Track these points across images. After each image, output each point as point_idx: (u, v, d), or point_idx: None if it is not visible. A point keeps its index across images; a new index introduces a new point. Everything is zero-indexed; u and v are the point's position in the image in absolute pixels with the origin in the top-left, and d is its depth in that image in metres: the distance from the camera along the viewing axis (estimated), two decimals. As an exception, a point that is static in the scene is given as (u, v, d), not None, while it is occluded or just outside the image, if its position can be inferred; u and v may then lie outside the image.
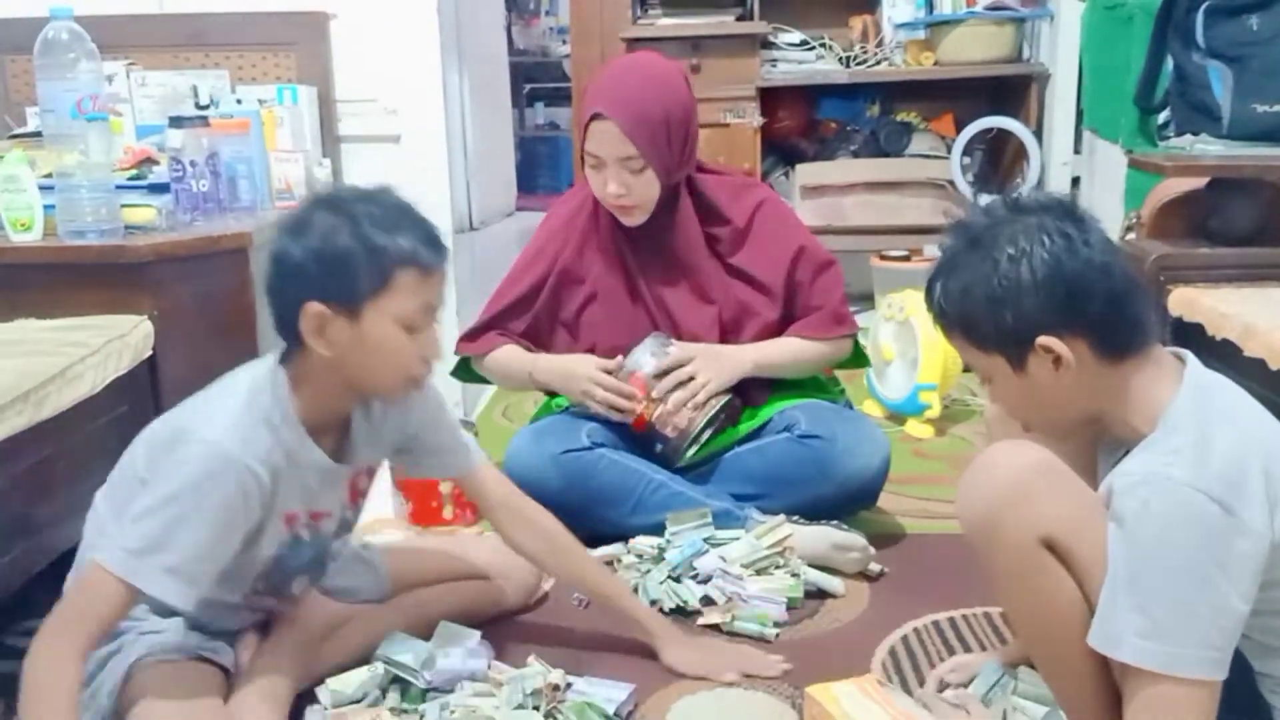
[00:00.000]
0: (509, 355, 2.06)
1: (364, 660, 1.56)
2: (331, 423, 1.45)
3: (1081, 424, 1.24)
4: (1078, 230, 1.17)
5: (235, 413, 1.35)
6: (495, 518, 1.63)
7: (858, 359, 2.17)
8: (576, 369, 1.98)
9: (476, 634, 1.59)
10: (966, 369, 2.78)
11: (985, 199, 3.52)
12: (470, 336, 2.10)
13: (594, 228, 2.04)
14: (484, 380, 2.17)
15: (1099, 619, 1.13)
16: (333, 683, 1.50)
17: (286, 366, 1.41)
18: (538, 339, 2.08)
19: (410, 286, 1.36)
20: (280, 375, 1.40)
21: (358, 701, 1.49)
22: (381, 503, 2.02)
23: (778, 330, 2.04)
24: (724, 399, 1.97)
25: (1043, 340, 1.17)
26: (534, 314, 2.07)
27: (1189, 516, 1.07)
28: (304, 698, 1.53)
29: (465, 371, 2.17)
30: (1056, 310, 1.16)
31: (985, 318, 1.19)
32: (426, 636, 1.58)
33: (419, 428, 1.56)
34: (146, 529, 1.30)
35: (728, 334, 2.03)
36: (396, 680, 1.53)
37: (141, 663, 1.41)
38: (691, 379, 1.93)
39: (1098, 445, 1.31)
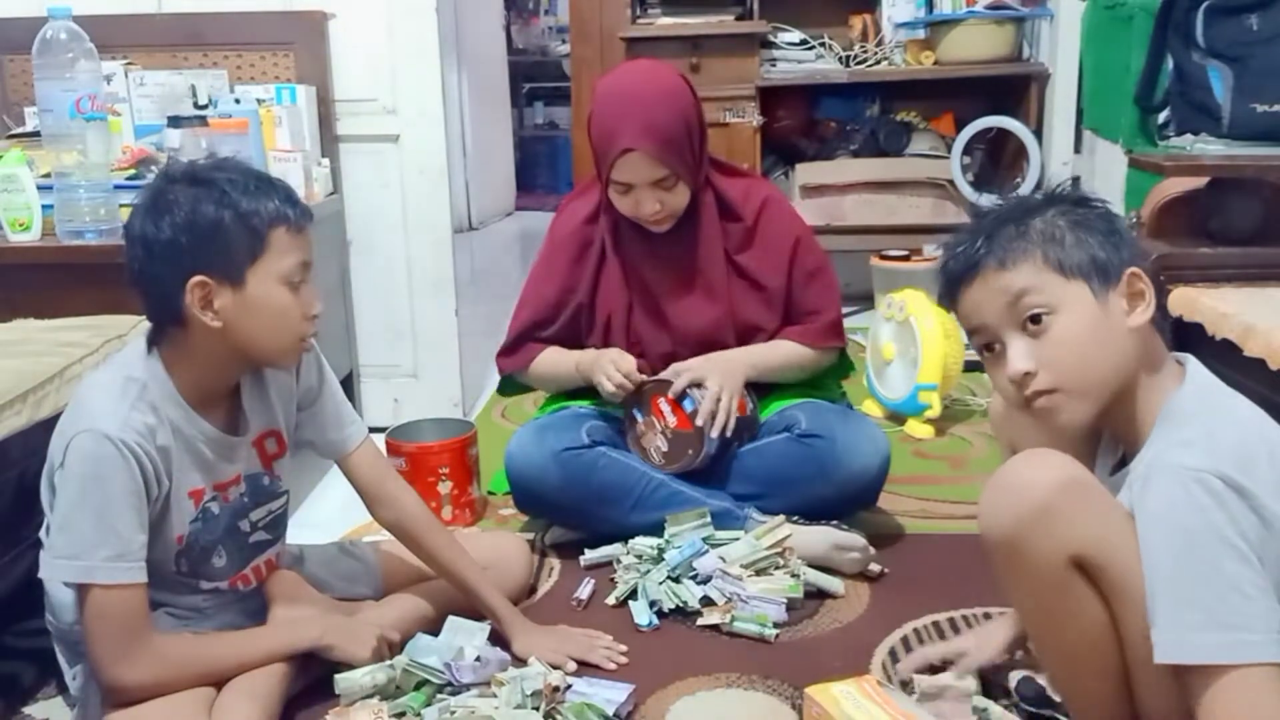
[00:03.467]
0: (552, 358, 2.06)
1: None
2: (218, 395, 1.48)
3: (1105, 402, 1.20)
4: None
5: (110, 399, 1.37)
6: (364, 494, 1.66)
7: (843, 368, 2.16)
8: (600, 356, 1.97)
9: (487, 626, 1.59)
10: (968, 368, 2.80)
11: (986, 199, 3.52)
12: (508, 352, 2.10)
13: (608, 240, 2.03)
14: (529, 389, 2.18)
15: (1158, 631, 1.08)
16: (341, 678, 1.50)
17: (161, 348, 1.43)
18: (569, 347, 2.08)
19: (285, 244, 1.39)
20: (153, 358, 1.42)
21: (369, 697, 1.49)
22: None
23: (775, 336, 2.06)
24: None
25: (1136, 270, 1.18)
26: (556, 333, 2.07)
27: (1211, 501, 1.06)
28: (299, 698, 1.53)
29: (511, 386, 2.17)
30: (1142, 257, 1.20)
31: (1091, 241, 1.18)
32: (429, 631, 1.59)
33: (306, 393, 1.60)
34: (76, 532, 1.34)
35: (732, 335, 2.03)
36: (419, 682, 1.53)
37: None
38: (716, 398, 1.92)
39: (1095, 449, 1.31)
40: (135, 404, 1.38)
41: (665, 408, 1.95)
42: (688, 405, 1.93)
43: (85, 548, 1.33)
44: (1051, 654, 1.26)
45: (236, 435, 1.50)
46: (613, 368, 1.92)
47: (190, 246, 1.35)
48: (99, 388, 1.40)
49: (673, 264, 2.01)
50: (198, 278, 1.36)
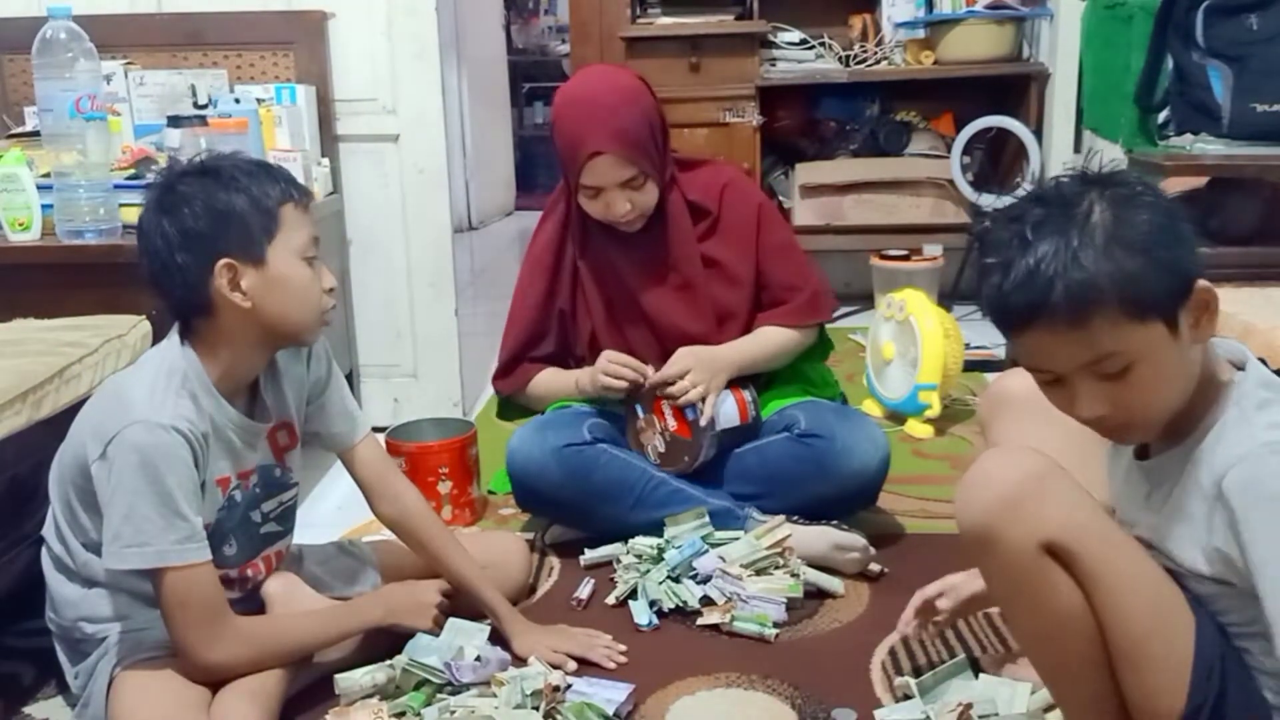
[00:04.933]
0: (550, 378, 2.08)
1: (359, 658, 1.57)
2: (242, 385, 1.53)
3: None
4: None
5: (155, 391, 1.41)
6: (365, 489, 1.69)
7: (824, 347, 2.15)
8: (597, 366, 1.98)
9: (486, 627, 1.60)
10: (968, 368, 2.80)
11: (985, 198, 3.52)
12: (503, 374, 2.10)
13: (580, 247, 2.04)
14: (530, 413, 2.15)
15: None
16: (341, 678, 1.50)
17: (191, 341, 1.47)
18: (562, 364, 2.11)
19: (295, 220, 1.46)
20: (188, 349, 1.46)
21: (369, 696, 1.50)
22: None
23: (750, 319, 2.06)
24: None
25: (1204, 283, 1.07)
26: (548, 349, 2.09)
27: None
28: (299, 698, 1.53)
29: (510, 409, 2.16)
30: (1197, 255, 1.09)
31: (1157, 265, 1.04)
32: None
33: (315, 384, 1.64)
34: (141, 521, 1.36)
35: (714, 327, 2.03)
36: (418, 682, 1.53)
37: (126, 668, 1.43)
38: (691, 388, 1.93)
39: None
40: (179, 393, 1.42)
41: (667, 410, 1.95)
42: (689, 414, 1.93)
43: (153, 534, 1.36)
44: (1030, 640, 1.26)
45: (257, 422, 1.54)
46: (609, 363, 1.94)
47: (211, 232, 1.40)
48: (140, 382, 1.43)
49: (647, 263, 2.02)
50: (224, 260, 1.41)
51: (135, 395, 1.41)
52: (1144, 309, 1.05)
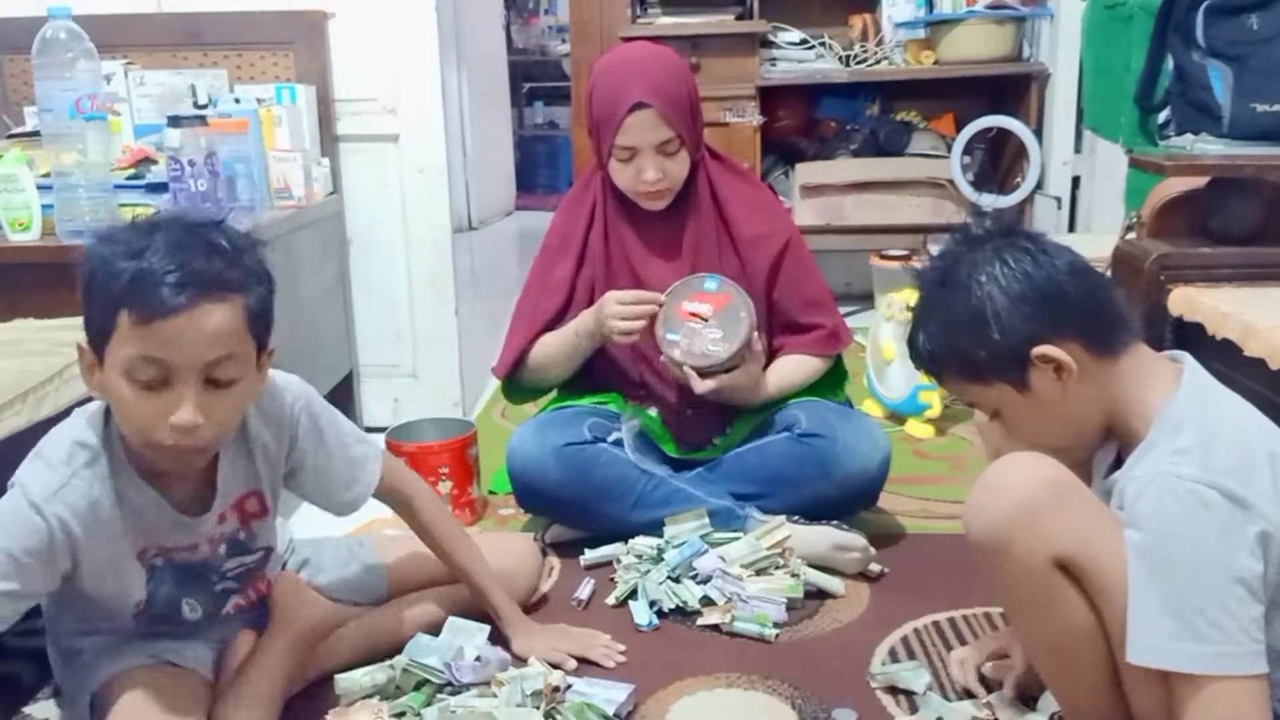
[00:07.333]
0: (548, 341, 2.03)
1: (362, 662, 1.56)
2: (180, 467, 1.30)
3: (1098, 435, 1.24)
4: (1032, 244, 1.22)
5: (56, 459, 1.26)
6: (387, 504, 1.61)
7: (839, 374, 2.15)
8: (599, 306, 1.94)
9: (486, 628, 1.59)
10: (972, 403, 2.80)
11: (986, 198, 3.52)
12: (514, 365, 2.06)
13: (602, 228, 2.04)
14: (538, 393, 2.14)
15: (1132, 632, 1.10)
16: (342, 678, 1.50)
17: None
18: None
19: (125, 333, 1.16)
20: (113, 422, 1.27)
21: (369, 696, 1.50)
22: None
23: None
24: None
25: (1038, 350, 1.18)
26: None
27: (1203, 512, 1.06)
28: (299, 698, 1.53)
29: (517, 392, 2.14)
30: (1040, 319, 1.18)
31: (975, 346, 1.21)
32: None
33: (300, 460, 1.47)
34: None
35: None
36: (418, 682, 1.53)
37: (110, 683, 1.39)
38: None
39: (1090, 456, 1.31)
40: (78, 472, 1.26)
41: (693, 305, 1.90)
42: (710, 285, 1.90)
43: None
44: (1039, 652, 1.26)
45: (200, 514, 1.37)
46: (618, 305, 1.90)
47: (83, 301, 1.21)
48: (51, 446, 1.29)
49: (664, 244, 2.02)
50: (79, 339, 1.23)
51: (38, 457, 1.28)
52: (979, 373, 1.23)
